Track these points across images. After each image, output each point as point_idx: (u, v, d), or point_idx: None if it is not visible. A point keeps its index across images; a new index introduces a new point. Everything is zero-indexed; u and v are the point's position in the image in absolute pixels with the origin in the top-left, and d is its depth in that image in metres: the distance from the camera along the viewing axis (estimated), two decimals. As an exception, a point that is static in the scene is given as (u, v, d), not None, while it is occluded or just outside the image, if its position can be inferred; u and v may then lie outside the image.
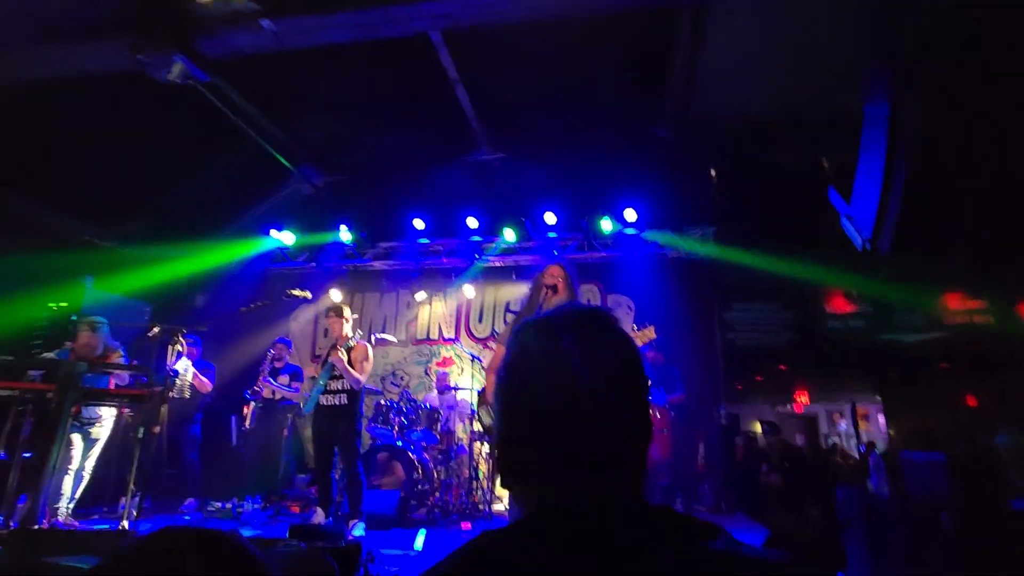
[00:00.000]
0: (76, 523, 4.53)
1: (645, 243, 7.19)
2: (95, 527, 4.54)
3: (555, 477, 0.68)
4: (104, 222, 6.94)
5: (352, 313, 5.20)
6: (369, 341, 5.09)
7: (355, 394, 4.87)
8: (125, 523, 4.03)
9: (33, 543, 2.82)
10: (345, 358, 4.78)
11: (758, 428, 8.55)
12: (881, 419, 9.22)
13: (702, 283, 7.03)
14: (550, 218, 7.16)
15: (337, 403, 4.81)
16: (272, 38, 3.34)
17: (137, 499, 4.38)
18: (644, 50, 5.49)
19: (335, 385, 4.84)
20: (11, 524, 3.57)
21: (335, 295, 7.65)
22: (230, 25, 3.23)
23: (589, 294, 7.08)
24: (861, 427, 9.22)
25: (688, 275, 7.06)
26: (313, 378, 4.97)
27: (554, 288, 3.65)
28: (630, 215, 6.93)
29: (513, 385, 0.73)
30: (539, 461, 0.68)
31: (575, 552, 0.59)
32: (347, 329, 4.96)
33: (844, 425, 10.95)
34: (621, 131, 6.68)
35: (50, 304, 6.30)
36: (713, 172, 7.32)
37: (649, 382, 0.73)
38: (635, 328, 3.67)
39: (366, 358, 4.92)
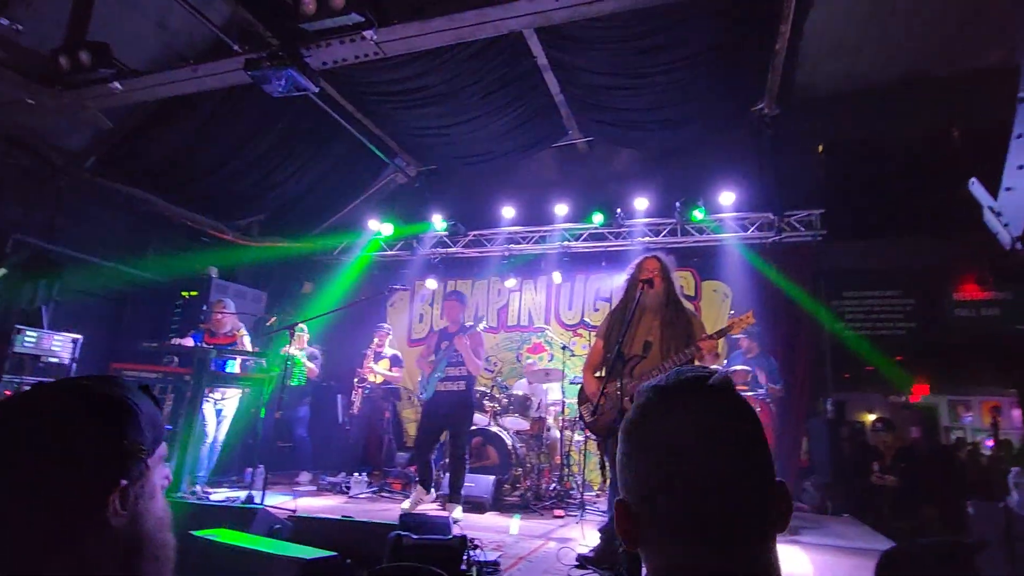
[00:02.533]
0: (209, 492, 5.08)
1: (744, 227, 6.84)
2: (225, 495, 5.07)
3: (680, 544, 0.67)
4: (225, 218, 7.59)
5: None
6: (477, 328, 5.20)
7: (473, 381, 5.00)
8: (248, 493, 4.48)
9: (179, 514, 3.20)
10: (470, 344, 4.89)
11: (868, 419, 7.98)
12: (1016, 414, 8.35)
13: (807, 269, 6.58)
14: (641, 203, 6.98)
15: (456, 389, 4.93)
16: (374, 47, 3.48)
17: (261, 470, 4.87)
18: (745, 24, 5.16)
19: (453, 372, 4.95)
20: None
21: (430, 283, 7.92)
22: (335, 38, 3.41)
23: (683, 281, 6.84)
24: (987, 420, 8.38)
25: (791, 261, 6.64)
26: (431, 361, 5.07)
27: (650, 283, 3.59)
28: (727, 198, 6.61)
29: (635, 448, 0.74)
30: (662, 527, 0.68)
31: None
32: (465, 316, 5.10)
33: (969, 418, 9.96)
34: (717, 110, 6.34)
35: (183, 293, 7.03)
36: (820, 149, 6.80)
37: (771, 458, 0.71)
38: (732, 314, 3.53)
39: (481, 345, 5.03)
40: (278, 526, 3.20)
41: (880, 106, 6.27)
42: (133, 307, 6.73)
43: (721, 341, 3.88)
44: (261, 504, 3.87)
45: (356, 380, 6.77)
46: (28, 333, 4.97)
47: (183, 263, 7.09)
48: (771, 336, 6.17)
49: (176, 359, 5.36)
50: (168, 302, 6.94)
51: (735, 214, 6.80)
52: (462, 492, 4.84)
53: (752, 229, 6.80)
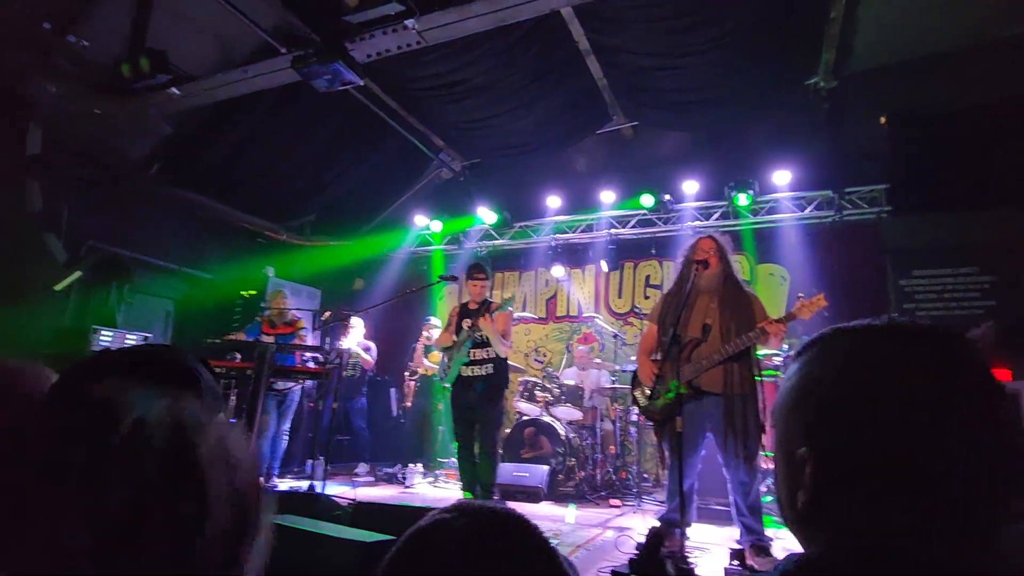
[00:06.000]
0: (276, 483, 5.27)
1: (800, 207, 6.54)
2: (288, 486, 5.25)
3: (863, 512, 0.59)
4: (279, 219, 7.85)
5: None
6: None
7: (502, 363, 4.44)
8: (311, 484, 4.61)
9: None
10: (495, 324, 4.35)
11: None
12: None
13: (871, 248, 6.24)
14: (690, 186, 6.78)
15: (484, 373, 4.38)
16: (415, 36, 3.50)
17: (321, 462, 5.03)
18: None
19: (480, 354, 4.40)
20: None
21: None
22: (378, 28, 3.44)
23: (737, 264, 6.62)
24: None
25: (853, 240, 6.32)
26: (448, 348, 4.54)
27: (705, 263, 3.47)
28: (782, 177, 6.34)
29: (825, 403, 0.64)
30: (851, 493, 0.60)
31: None
32: (490, 294, 4.60)
33: (1057, 405, 9.24)
34: (770, 86, 6.07)
35: (241, 292, 7.32)
36: (883, 120, 6.42)
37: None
38: (801, 297, 3.38)
39: (509, 325, 4.50)
40: (339, 512, 3.28)
41: (948, 71, 5.85)
42: (196, 306, 7.04)
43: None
44: (322, 492, 3.98)
45: (408, 374, 6.88)
46: (104, 332, 5.27)
47: (241, 264, 7.37)
48: (834, 320, 5.85)
49: (238, 355, 5.57)
50: (228, 301, 7.24)
51: (791, 194, 6.52)
52: (492, 489, 4.48)
53: (810, 208, 6.51)
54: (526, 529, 0.69)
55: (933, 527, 0.56)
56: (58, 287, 4.52)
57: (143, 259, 6.22)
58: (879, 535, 0.57)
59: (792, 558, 0.60)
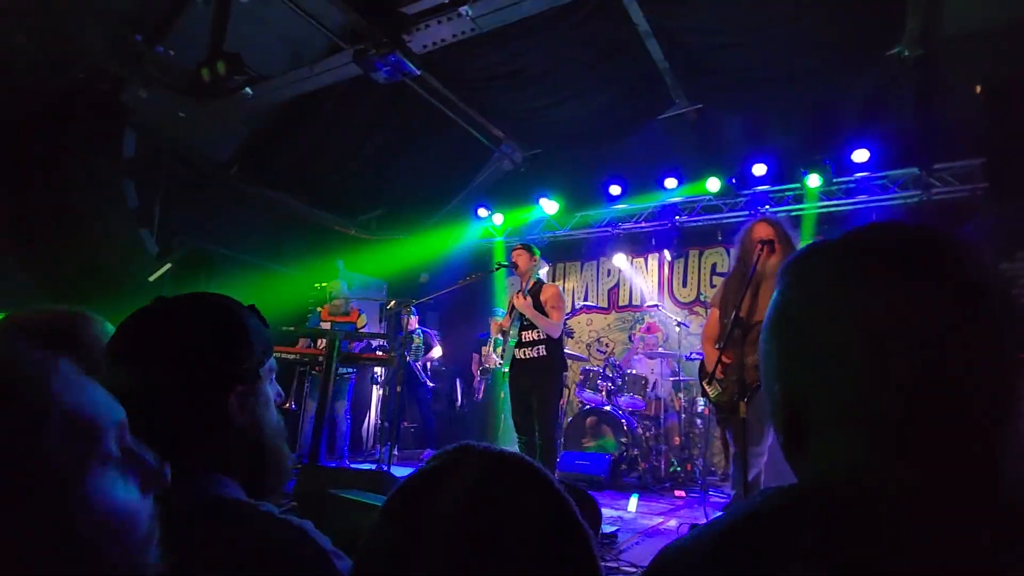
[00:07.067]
0: (348, 463, 5.54)
1: (883, 187, 6.12)
2: (362, 467, 5.50)
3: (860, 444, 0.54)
4: (348, 215, 8.18)
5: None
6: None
7: (555, 344, 4.20)
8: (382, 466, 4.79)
9: (319, 477, 3.52)
10: (530, 302, 4.20)
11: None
12: None
13: (965, 229, 5.75)
14: (759, 169, 6.47)
15: (536, 355, 4.19)
16: (470, 23, 3.55)
17: (388, 446, 5.22)
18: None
19: (529, 336, 4.22)
20: (302, 461, 4.50)
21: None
22: (433, 18, 3.52)
23: (810, 250, 6.28)
24: None
25: (944, 220, 5.84)
26: (506, 332, 4.39)
27: (770, 245, 3.31)
28: (861, 155, 5.94)
29: (804, 327, 0.59)
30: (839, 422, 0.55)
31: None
32: (534, 268, 4.37)
33: None
34: (848, 59, 5.70)
35: (315, 284, 7.69)
36: (979, 89, 5.88)
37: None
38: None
39: (558, 302, 4.23)
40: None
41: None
42: (274, 297, 7.47)
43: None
44: (388, 471, 4.13)
45: (480, 370, 6.99)
46: (191, 321, 5.70)
47: (315, 257, 7.74)
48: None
49: (310, 342, 5.87)
50: (304, 292, 7.62)
51: (871, 173, 6.10)
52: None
53: (893, 188, 6.07)
54: (534, 474, 0.67)
55: (913, 461, 0.51)
56: (151, 278, 4.93)
57: (226, 252, 6.66)
58: (855, 467, 0.54)
59: (768, 491, 0.59)
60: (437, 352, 6.92)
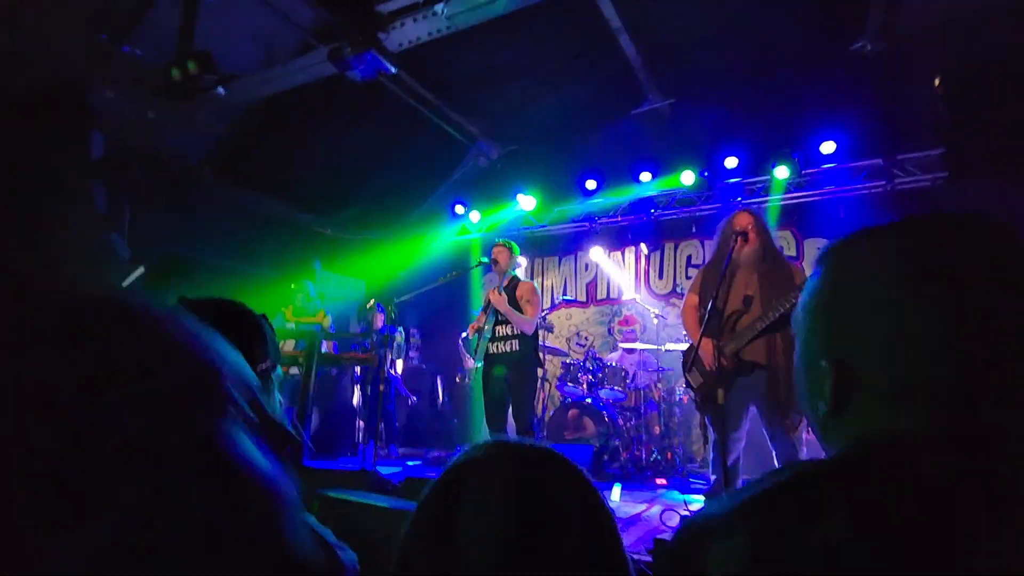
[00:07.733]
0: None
1: (849, 177, 6.30)
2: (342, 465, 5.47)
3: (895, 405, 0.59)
4: (324, 215, 8.11)
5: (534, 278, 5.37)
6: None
7: (528, 340, 4.22)
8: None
9: (305, 477, 3.53)
10: (506, 299, 4.23)
11: None
12: None
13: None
14: (731, 162, 6.61)
15: (509, 349, 4.23)
16: (445, 22, 3.56)
17: (372, 444, 5.22)
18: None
19: (503, 330, 4.27)
20: (286, 462, 4.48)
21: (520, 260, 8.00)
22: (408, 16, 3.53)
23: (783, 241, 6.45)
24: None
25: (907, 209, 6.03)
26: (480, 329, 4.43)
27: (744, 236, 3.41)
28: (827, 147, 6.10)
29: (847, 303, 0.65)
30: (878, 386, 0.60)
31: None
32: (512, 265, 4.41)
33: None
34: (812, 55, 5.88)
35: (291, 285, 7.61)
36: (937, 81, 6.09)
37: None
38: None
39: (533, 297, 4.27)
40: (391, 487, 3.41)
41: (1009, 26, 5.50)
42: (251, 300, 7.38)
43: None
44: (372, 469, 4.13)
45: (461, 369, 6.99)
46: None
47: (291, 258, 7.66)
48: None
49: (293, 343, 5.83)
50: (279, 293, 7.54)
51: (838, 164, 6.28)
52: None
53: (859, 178, 6.26)
54: (564, 465, 0.69)
55: (957, 430, 0.56)
56: (123, 284, 4.83)
57: (201, 256, 6.55)
58: (898, 435, 0.58)
59: (793, 464, 0.62)
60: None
